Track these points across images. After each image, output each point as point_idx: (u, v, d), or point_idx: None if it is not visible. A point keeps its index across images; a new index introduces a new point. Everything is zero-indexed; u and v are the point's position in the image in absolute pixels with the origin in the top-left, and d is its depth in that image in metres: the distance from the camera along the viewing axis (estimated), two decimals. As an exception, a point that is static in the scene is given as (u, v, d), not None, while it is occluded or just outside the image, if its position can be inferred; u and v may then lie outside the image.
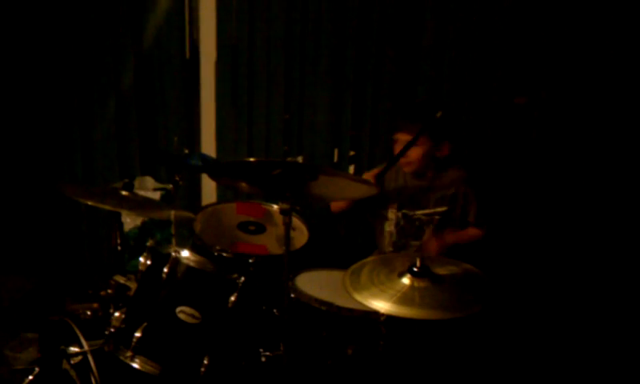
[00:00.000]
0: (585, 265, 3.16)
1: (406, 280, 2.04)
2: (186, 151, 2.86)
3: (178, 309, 2.29)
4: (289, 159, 2.26)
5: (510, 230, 3.17)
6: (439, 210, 2.91)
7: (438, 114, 2.74)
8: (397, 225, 2.96)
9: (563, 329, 3.17)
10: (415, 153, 2.84)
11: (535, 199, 3.24)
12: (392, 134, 2.95)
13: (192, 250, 2.41)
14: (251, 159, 2.46)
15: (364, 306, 2.01)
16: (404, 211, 2.94)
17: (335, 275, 2.67)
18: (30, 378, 2.61)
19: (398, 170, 2.96)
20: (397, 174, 2.98)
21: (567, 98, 3.16)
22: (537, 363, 3.08)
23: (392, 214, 2.97)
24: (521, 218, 3.23)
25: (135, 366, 2.25)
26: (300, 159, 2.37)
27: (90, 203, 2.69)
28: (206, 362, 2.27)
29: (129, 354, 2.26)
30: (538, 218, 3.23)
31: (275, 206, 2.97)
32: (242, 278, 2.39)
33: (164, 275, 2.34)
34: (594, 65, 3.09)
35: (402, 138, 2.85)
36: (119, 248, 2.95)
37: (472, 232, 2.93)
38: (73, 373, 2.35)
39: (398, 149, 2.86)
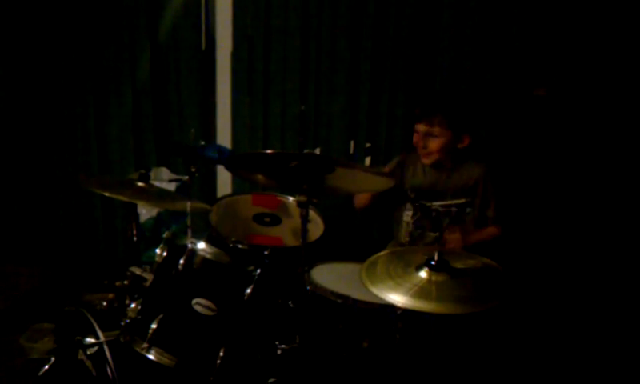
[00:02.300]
0: (601, 260, 3.14)
1: (423, 273, 2.01)
2: (203, 143, 2.85)
3: (194, 301, 2.29)
4: (306, 151, 2.24)
5: (528, 226, 3.14)
6: (457, 202, 2.88)
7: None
8: (414, 215, 2.94)
9: (582, 324, 3.14)
10: (436, 144, 2.81)
11: (554, 195, 3.20)
12: (413, 124, 2.89)
13: (208, 241, 2.40)
14: (268, 151, 2.45)
15: (380, 299, 1.99)
16: (421, 202, 2.91)
17: (351, 268, 2.67)
18: (46, 367, 2.61)
19: (416, 160, 2.94)
20: (416, 164, 2.96)
21: (587, 90, 3.12)
22: (553, 359, 3.06)
23: (409, 204, 2.95)
24: (539, 215, 3.20)
25: (151, 357, 2.25)
26: (318, 151, 2.35)
27: (106, 194, 2.69)
28: (221, 354, 2.27)
29: (145, 345, 2.26)
30: (556, 215, 3.20)
31: (290, 198, 2.96)
32: (258, 271, 2.38)
33: (180, 267, 2.34)
34: (617, 56, 3.05)
35: (424, 128, 2.81)
36: (135, 239, 2.95)
37: (491, 230, 2.88)
38: (89, 363, 2.34)
39: (419, 139, 2.84)
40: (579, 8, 3.06)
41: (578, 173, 3.17)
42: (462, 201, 2.87)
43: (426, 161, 2.89)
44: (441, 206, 2.89)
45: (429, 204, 2.90)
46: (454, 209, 2.87)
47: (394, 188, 2.65)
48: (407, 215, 2.97)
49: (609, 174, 3.12)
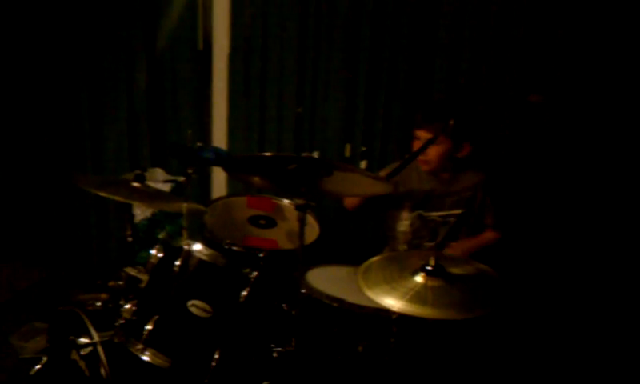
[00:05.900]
0: (596, 265, 3.14)
1: (419, 278, 2.01)
2: (199, 144, 2.84)
3: (190, 302, 2.28)
4: (304, 154, 2.24)
5: (525, 233, 3.14)
6: (454, 212, 2.86)
7: (451, 122, 2.67)
8: (411, 225, 2.92)
9: (576, 332, 3.15)
10: (434, 152, 2.76)
11: (550, 201, 3.21)
12: (412, 130, 2.85)
13: (203, 243, 2.39)
14: (268, 154, 2.44)
15: (376, 303, 1.99)
16: (419, 212, 2.91)
17: (346, 271, 2.66)
18: (38, 367, 2.60)
19: (414, 168, 2.89)
20: (413, 173, 2.91)
21: (583, 96, 3.13)
22: (548, 366, 3.06)
23: (406, 214, 2.92)
24: (537, 220, 3.20)
25: (145, 358, 2.24)
26: (316, 154, 2.34)
27: (102, 194, 2.68)
28: (216, 356, 2.26)
29: (139, 346, 2.25)
30: (553, 220, 3.20)
31: (286, 201, 2.95)
32: (255, 273, 2.37)
33: (176, 268, 2.33)
34: (611, 61, 3.05)
35: (423, 135, 2.76)
36: (130, 239, 2.94)
37: (489, 236, 2.88)
38: (82, 363, 2.34)
39: (417, 146, 2.79)
40: (579, 14, 3.07)
41: (575, 178, 3.17)
42: (460, 211, 2.85)
43: (425, 168, 2.85)
44: (438, 216, 2.88)
45: (426, 214, 2.90)
46: (452, 219, 2.87)
47: (388, 196, 2.64)
48: (404, 224, 2.94)
49: (606, 179, 3.13)
